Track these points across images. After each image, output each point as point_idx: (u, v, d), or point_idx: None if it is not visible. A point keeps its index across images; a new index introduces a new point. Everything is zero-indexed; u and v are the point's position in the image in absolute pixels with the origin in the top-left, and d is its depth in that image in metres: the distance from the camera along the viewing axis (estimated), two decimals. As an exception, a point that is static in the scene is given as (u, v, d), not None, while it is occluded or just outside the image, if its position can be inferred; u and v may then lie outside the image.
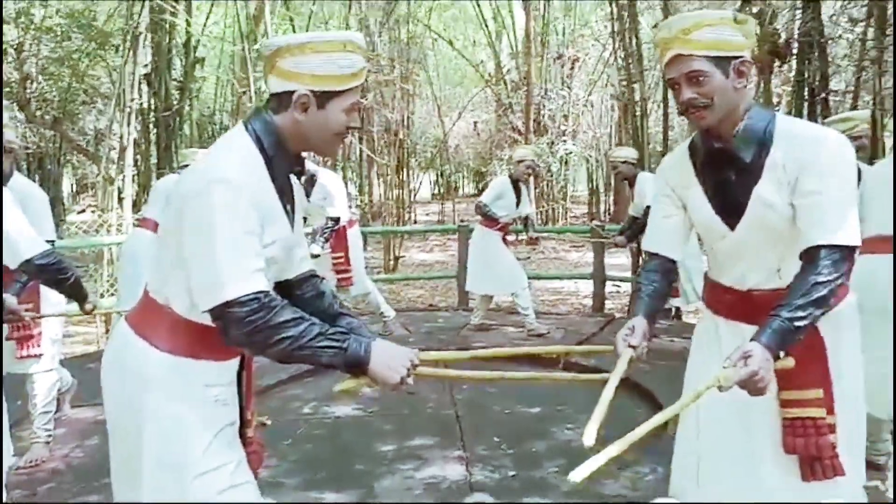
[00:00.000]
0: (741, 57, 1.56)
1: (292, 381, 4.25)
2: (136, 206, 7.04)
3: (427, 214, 20.70)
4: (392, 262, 10.72)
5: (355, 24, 11.45)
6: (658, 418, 1.23)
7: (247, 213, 1.33)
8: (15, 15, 9.04)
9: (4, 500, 1.44)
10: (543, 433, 3.43)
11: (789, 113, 6.69)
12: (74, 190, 20.51)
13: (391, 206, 11.97)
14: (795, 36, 6.02)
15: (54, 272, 2.32)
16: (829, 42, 6.30)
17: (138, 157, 8.52)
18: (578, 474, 1.03)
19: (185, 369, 1.42)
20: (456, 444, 3.34)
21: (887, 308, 2.52)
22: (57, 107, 10.35)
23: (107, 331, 6.07)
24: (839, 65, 6.49)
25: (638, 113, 8.22)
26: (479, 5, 14.89)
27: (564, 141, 14.86)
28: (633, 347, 1.57)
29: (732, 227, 1.65)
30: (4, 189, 2.40)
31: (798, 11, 6.24)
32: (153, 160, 8.86)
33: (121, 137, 6.12)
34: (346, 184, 13.31)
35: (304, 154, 1.54)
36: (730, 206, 1.65)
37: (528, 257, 11.46)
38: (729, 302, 1.74)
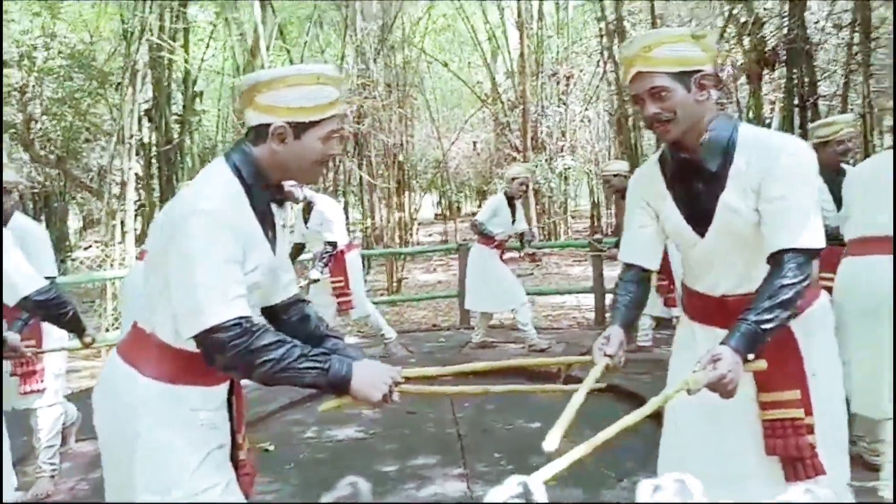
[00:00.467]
0: (701, 71, 1.61)
1: (293, 406, 4.28)
2: (140, 240, 7.14)
3: (430, 235, 20.79)
4: (395, 285, 10.76)
5: (351, 51, 11.66)
6: (629, 419, 1.26)
7: (227, 241, 1.38)
8: (18, 58, 9.26)
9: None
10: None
11: (782, 119, 6.75)
12: (81, 226, 20.70)
13: (392, 229, 12.02)
14: (782, 43, 6.10)
15: (53, 307, 2.38)
16: (816, 48, 6.38)
17: (141, 191, 8.64)
18: (546, 473, 1.06)
19: (172, 395, 1.47)
20: (457, 462, 3.36)
21: (871, 309, 2.55)
22: (60, 145, 10.53)
23: (113, 364, 6.13)
24: (827, 70, 6.56)
25: (631, 126, 8.31)
26: (473, 27, 15.11)
27: (563, 157, 14.95)
28: (610, 356, 1.61)
29: (702, 234, 1.70)
30: (4, 229, 2.47)
31: (784, 19, 6.32)
32: (156, 194, 8.99)
33: (122, 172, 6.23)
34: (347, 208, 13.49)
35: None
36: (699, 214, 1.69)
37: (531, 273, 11.49)
38: (704, 307, 1.78)
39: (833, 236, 2.90)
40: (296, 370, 1.39)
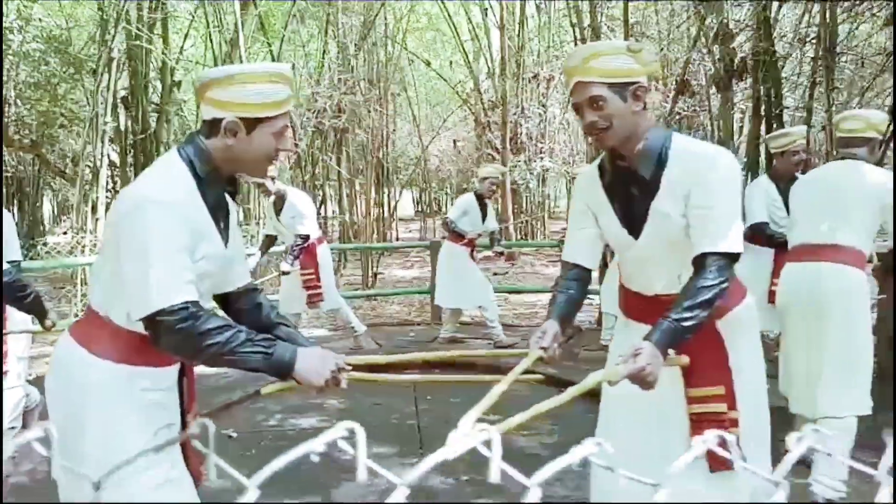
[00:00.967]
0: (637, 83, 1.71)
1: (259, 395, 4.33)
2: (112, 227, 7.11)
3: (409, 231, 20.85)
4: (370, 279, 10.81)
5: (334, 46, 11.67)
6: (553, 402, 1.35)
7: (177, 230, 1.45)
8: (-8, 41, 9.16)
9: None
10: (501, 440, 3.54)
11: (750, 129, 6.92)
12: (56, 212, 20.46)
13: (370, 224, 12.07)
14: (750, 55, 6.25)
15: (13, 290, 2.42)
16: (784, 60, 6.56)
17: (117, 178, 8.60)
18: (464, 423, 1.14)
19: (123, 375, 1.54)
20: (415, 452, 3.45)
21: (811, 313, 2.67)
22: (35, 130, 10.42)
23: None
24: (794, 82, 6.74)
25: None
26: (455, 27, 15.18)
27: (541, 158, 15.10)
28: (543, 349, 1.70)
29: (637, 237, 1.80)
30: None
31: (752, 31, 6.48)
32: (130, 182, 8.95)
33: (93, 160, 6.21)
34: (326, 203, 13.48)
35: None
36: (633, 218, 1.79)
37: (507, 272, 11.61)
38: (639, 306, 1.88)
39: (785, 243, 3.03)
40: (240, 354, 1.46)
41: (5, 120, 9.31)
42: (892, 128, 5.08)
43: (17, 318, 3.08)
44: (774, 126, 6.21)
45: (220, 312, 1.72)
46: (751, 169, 6.43)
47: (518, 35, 14.97)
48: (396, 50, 14.16)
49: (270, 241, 5.37)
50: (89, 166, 6.21)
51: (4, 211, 3.20)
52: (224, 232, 1.64)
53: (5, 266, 2.39)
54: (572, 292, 1.87)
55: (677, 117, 10.69)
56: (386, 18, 13.18)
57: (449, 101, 19.16)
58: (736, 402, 1.80)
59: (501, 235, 6.03)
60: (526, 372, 1.71)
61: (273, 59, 8.64)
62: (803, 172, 3.74)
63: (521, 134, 15.04)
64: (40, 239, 8.58)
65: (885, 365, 4.45)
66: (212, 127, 1.56)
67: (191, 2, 7.97)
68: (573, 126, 16.20)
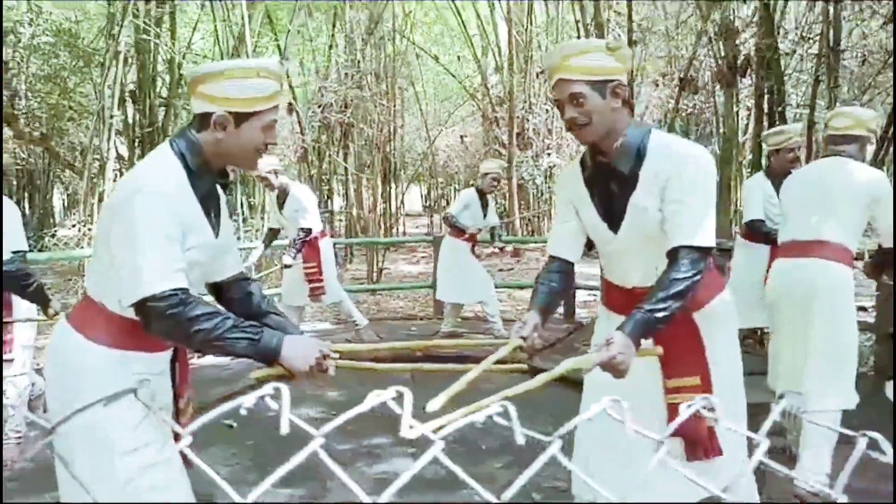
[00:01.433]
0: (616, 80, 1.75)
1: (258, 387, 4.40)
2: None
3: (417, 227, 20.91)
4: (375, 274, 10.89)
5: (341, 40, 11.73)
6: (524, 386, 1.41)
7: (168, 219, 1.51)
8: (3, 34, 9.26)
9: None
10: (492, 431, 3.60)
11: (754, 125, 6.93)
12: (66, 205, 20.66)
13: (376, 219, 12.14)
14: (754, 52, 6.26)
15: (15, 279, 2.49)
16: (789, 56, 6.56)
17: (125, 171, 8.70)
18: (431, 405, 1.20)
19: (116, 360, 1.60)
20: (410, 442, 3.51)
21: (799, 308, 2.70)
22: (46, 123, 10.56)
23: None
24: (798, 78, 6.73)
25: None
26: (463, 22, 15.19)
27: (548, 154, 15.11)
28: (523, 338, 1.75)
29: (616, 231, 1.85)
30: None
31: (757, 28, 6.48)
32: (136, 175, 9.04)
33: (101, 152, 6.30)
34: (332, 197, 13.54)
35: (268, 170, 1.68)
36: (613, 212, 1.84)
37: (512, 268, 11.66)
38: (618, 298, 1.93)
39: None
40: (228, 339, 1.52)
41: (16, 112, 9.44)
42: (892, 127, 5.09)
43: (22, 307, 3.16)
44: (777, 123, 6.22)
45: (210, 299, 1.78)
46: (755, 166, 6.44)
47: (526, 30, 14.97)
48: (404, 44, 14.20)
49: (274, 234, 5.44)
50: (97, 159, 6.30)
51: (7, 201, 3.28)
52: (215, 222, 1.70)
53: (8, 255, 2.47)
54: (554, 284, 1.92)
55: (683, 114, 10.70)
56: (394, 12, 13.22)
57: (457, 97, 19.17)
58: (712, 392, 1.84)
59: (507, 230, 6.09)
60: (514, 363, 1.77)
61: (280, 54, 8.68)
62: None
63: (528, 129, 15.06)
64: (49, 231, 8.71)
65: (881, 361, 4.48)
66: (202, 121, 1.62)
67: (198, -3, 8.04)
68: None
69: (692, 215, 1.68)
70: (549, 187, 16.40)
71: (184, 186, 1.59)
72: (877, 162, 6.37)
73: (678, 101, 7.35)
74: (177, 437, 1.71)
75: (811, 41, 5.91)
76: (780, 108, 6.11)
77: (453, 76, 16.59)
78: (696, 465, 1.87)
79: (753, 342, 4.81)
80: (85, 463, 1.54)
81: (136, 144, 8.81)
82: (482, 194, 5.59)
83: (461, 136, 18.08)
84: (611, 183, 1.83)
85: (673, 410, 1.87)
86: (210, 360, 4.93)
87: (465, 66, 17.55)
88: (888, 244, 2.79)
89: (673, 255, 1.68)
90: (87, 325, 1.62)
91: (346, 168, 12.30)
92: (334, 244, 5.83)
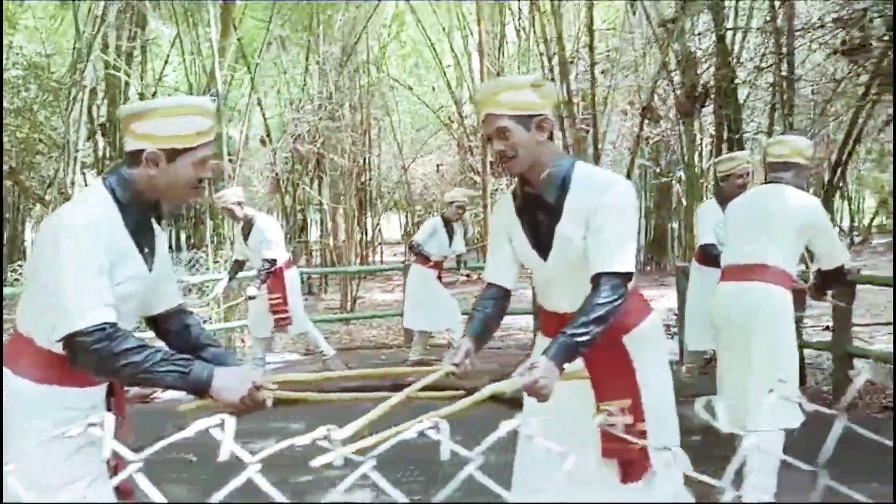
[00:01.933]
0: (542, 115, 1.83)
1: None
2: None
3: (395, 255, 20.91)
4: (350, 303, 10.86)
5: (315, 73, 11.87)
6: (447, 410, 1.44)
7: (95, 253, 1.53)
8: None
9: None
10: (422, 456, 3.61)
11: (713, 152, 7.12)
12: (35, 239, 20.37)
13: (351, 248, 12.15)
14: (710, 83, 6.46)
15: None
16: (748, 85, 6.77)
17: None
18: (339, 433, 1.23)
19: (47, 394, 1.60)
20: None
21: (739, 331, 2.78)
22: (15, 157, 10.49)
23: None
24: (755, 106, 6.94)
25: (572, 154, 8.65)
26: (437, 54, 15.46)
27: (523, 181, 15.27)
28: (456, 365, 1.79)
29: (545, 259, 1.91)
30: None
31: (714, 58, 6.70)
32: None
33: (66, 186, 6.29)
34: (308, 227, 13.53)
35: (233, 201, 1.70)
36: (542, 241, 1.90)
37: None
38: (551, 324, 1.97)
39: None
40: (157, 372, 1.54)
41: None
42: (893, 128, 5.21)
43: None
44: (735, 150, 6.40)
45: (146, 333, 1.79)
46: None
47: (498, 60, 15.27)
48: (379, 76, 14.41)
49: (239, 265, 5.44)
50: (62, 193, 6.29)
51: None
52: (148, 256, 1.73)
53: None
54: (489, 311, 1.97)
55: (650, 143, 10.95)
56: (368, 45, 13.43)
57: (432, 126, 19.40)
58: (643, 414, 1.88)
59: (480, 257, 6.16)
60: (452, 388, 1.80)
61: (252, 87, 8.75)
62: None
63: (502, 158, 15.24)
64: (16, 265, 8.60)
65: (838, 381, 4.57)
66: (134, 158, 1.65)
67: (171, 27, 8.09)
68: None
69: (612, 243, 1.75)
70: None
71: (114, 221, 1.62)
72: (832, 185, 6.58)
73: (640, 130, 7.52)
74: (116, 470, 1.71)
75: (766, 71, 6.12)
76: (737, 136, 6.29)
77: (428, 106, 16.80)
78: (631, 487, 1.91)
79: (707, 363, 4.88)
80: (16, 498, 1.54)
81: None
82: (448, 222, 5.66)
83: (437, 165, 18.25)
84: (539, 213, 1.89)
85: (605, 433, 1.90)
86: (172, 393, 4.88)
87: (439, 96, 17.82)
88: (826, 268, 2.89)
89: (595, 281, 1.74)
90: (17, 359, 1.63)
91: (318, 198, 12.35)
92: (308, 274, 5.85)
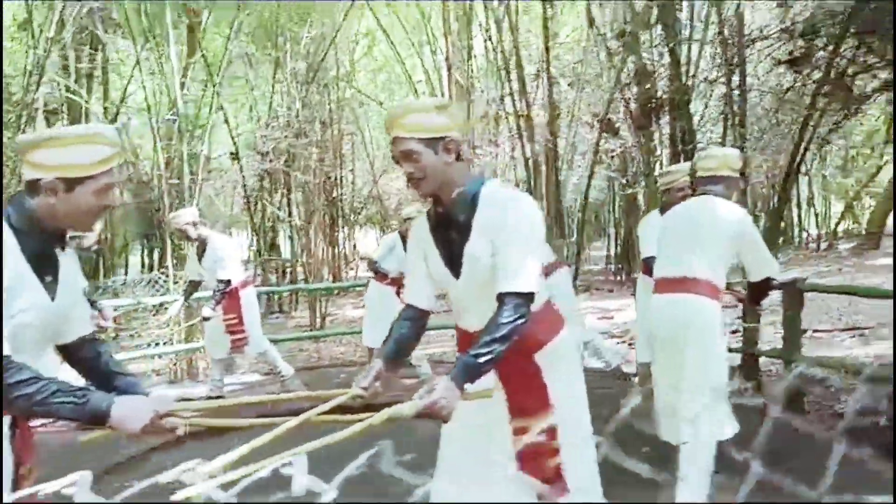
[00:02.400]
0: (448, 137, 1.85)
1: (163, 448, 4.24)
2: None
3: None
4: (319, 321, 10.81)
5: (283, 87, 11.85)
6: (344, 433, 1.44)
7: (-13, 284, 1.52)
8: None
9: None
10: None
11: (671, 163, 7.22)
12: None
13: (318, 265, 12.11)
14: (663, 96, 6.58)
15: None
16: (697, 98, 6.90)
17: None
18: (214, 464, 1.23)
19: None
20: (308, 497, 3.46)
21: (670, 342, 2.82)
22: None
23: None
24: (708, 118, 7.07)
25: (550, 167, 8.74)
26: (407, 70, 15.54)
27: (494, 195, 15.35)
28: (364, 388, 1.80)
29: (457, 277, 1.92)
30: None
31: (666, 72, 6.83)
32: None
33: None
34: (278, 245, 13.44)
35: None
36: (453, 260, 1.92)
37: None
38: (465, 342, 1.99)
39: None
40: (52, 404, 1.53)
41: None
42: (893, 131, 5.29)
43: None
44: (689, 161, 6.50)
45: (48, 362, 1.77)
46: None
47: (467, 74, 15.38)
48: (348, 92, 14.44)
49: (194, 286, 5.39)
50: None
51: None
52: (51, 285, 1.71)
53: None
54: (404, 332, 1.98)
55: (612, 156, 11.08)
56: (338, 60, 13.47)
57: (405, 141, 19.37)
58: (557, 432, 1.90)
59: None
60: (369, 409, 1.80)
61: (212, 105, 8.71)
62: None
63: (473, 171, 15.31)
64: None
65: (790, 389, 4.63)
66: (32, 187, 1.64)
67: (131, 46, 8.02)
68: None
69: (514, 262, 1.77)
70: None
71: (11, 249, 1.61)
72: (783, 193, 6.70)
73: (598, 143, 7.63)
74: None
75: (717, 83, 6.25)
76: (690, 147, 6.40)
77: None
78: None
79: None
80: None
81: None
82: (406, 239, 5.66)
83: (409, 180, 18.26)
84: (450, 232, 1.91)
85: (520, 450, 1.92)
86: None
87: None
88: (755, 279, 2.94)
89: (499, 300, 1.76)
90: None
91: (290, 214, 12.30)
92: (275, 293, 5.81)
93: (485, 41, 15.85)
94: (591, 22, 7.96)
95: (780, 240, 18.24)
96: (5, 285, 1.56)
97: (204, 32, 8.88)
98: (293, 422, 1.50)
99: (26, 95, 6.35)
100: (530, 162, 8.14)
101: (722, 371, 2.75)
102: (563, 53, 11.93)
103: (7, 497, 1.67)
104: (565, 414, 1.92)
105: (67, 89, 7.18)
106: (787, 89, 5.95)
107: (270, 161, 9.86)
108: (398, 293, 5.75)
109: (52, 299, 1.72)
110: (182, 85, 7.32)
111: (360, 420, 1.52)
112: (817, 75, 5.66)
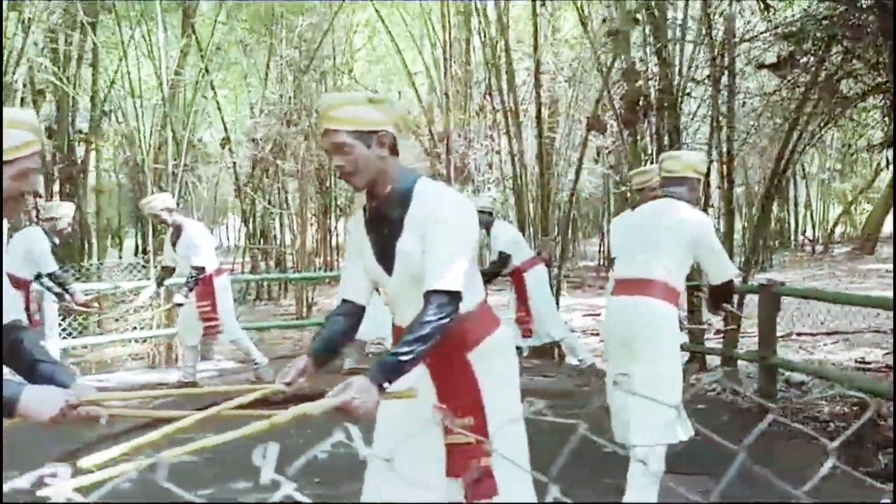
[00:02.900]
0: (381, 131, 1.81)
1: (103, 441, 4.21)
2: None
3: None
4: (306, 310, 10.79)
5: (276, 75, 11.79)
6: (241, 431, 1.41)
7: None
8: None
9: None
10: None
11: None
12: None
13: (304, 253, 12.08)
14: (651, 95, 6.51)
15: None
16: (686, 98, 6.83)
17: (39, 208, 8.50)
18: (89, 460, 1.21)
19: None
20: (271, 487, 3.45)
21: (624, 344, 2.79)
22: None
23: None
24: (697, 119, 7.01)
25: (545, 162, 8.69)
26: (404, 60, 15.45)
27: (489, 188, 15.31)
28: (287, 384, 1.77)
29: (391, 274, 1.89)
30: None
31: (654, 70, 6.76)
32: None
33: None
34: (269, 232, 13.42)
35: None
36: (386, 256, 1.89)
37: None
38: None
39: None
40: None
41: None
42: (892, 132, 5.25)
43: None
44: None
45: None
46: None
47: (465, 68, 15.28)
48: (346, 81, 14.37)
49: (167, 272, 5.37)
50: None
51: None
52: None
53: None
54: (337, 327, 1.95)
55: (607, 152, 11.02)
56: (334, 50, 13.39)
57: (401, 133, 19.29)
58: (488, 432, 1.87)
59: None
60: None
61: (196, 90, 8.66)
62: None
63: (468, 165, 15.26)
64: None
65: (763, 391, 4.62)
66: (-52, 171, 1.61)
67: (117, 28, 7.96)
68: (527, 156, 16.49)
69: (442, 259, 1.73)
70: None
71: None
72: (769, 197, 6.66)
73: (585, 140, 7.58)
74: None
75: (704, 83, 6.20)
76: (677, 147, 6.35)
77: (396, 112, 16.75)
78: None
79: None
80: None
81: (54, 180, 8.66)
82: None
83: (406, 171, 18.18)
84: (384, 228, 1.88)
85: (451, 451, 1.89)
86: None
87: (407, 102, 17.75)
88: (714, 282, 2.92)
89: (425, 298, 1.73)
90: None
91: (280, 204, 12.27)
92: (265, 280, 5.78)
93: (476, 34, 15.84)
94: (583, 21, 7.87)
95: (776, 242, 18.25)
96: None
97: (194, 14, 8.79)
98: (200, 414, 1.48)
99: (4, 77, 6.33)
100: (516, 158, 8.09)
101: (674, 374, 2.72)
102: (562, 50, 11.86)
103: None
104: (498, 413, 1.89)
105: (56, 64, 7.12)
106: (773, 91, 5.90)
107: (262, 148, 9.81)
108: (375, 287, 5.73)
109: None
110: (175, 72, 7.25)
111: (267, 417, 1.49)
112: (805, 79, 5.61)
